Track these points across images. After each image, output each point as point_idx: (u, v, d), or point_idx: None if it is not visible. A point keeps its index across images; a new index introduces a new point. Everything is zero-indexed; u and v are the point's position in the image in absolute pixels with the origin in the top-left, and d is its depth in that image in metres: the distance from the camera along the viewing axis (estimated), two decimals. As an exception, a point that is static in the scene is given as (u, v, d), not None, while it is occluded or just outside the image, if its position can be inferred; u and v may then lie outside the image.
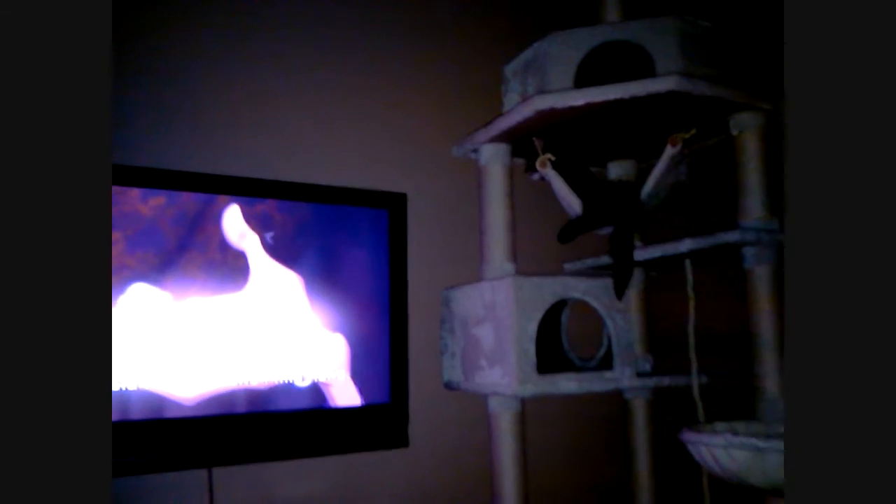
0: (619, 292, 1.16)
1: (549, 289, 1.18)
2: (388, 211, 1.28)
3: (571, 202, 1.18)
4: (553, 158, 1.16)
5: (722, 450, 0.95)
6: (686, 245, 1.13)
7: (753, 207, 1.14)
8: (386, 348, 1.27)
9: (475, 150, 1.33)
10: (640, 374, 1.29)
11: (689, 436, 1.04)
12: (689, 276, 1.26)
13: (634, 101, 1.07)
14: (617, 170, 1.43)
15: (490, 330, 1.20)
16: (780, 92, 1.17)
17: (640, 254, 1.23)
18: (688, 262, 1.25)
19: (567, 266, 1.45)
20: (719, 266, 1.30)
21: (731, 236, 1.07)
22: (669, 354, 1.40)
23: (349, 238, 1.25)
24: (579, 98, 1.08)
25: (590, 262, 1.39)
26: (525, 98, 1.18)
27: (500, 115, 1.22)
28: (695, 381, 1.24)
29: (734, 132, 1.17)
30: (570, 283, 1.20)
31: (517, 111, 1.15)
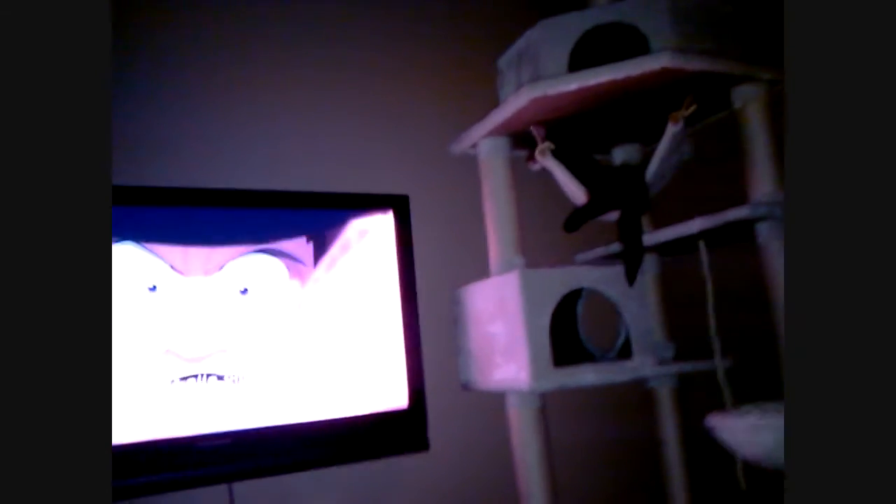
0: (631, 278, 1.13)
1: (559, 280, 1.16)
2: (392, 213, 1.28)
3: (574, 190, 1.15)
4: (552, 146, 1.14)
5: (748, 433, 0.91)
6: (697, 225, 1.10)
7: (762, 181, 1.10)
8: (401, 352, 1.25)
9: (474, 146, 1.31)
10: (661, 362, 1.26)
11: (714, 421, 1.01)
12: (704, 258, 1.22)
13: (630, 82, 1.05)
14: (622, 155, 1.40)
15: (502, 326, 1.18)
16: (781, 61, 1.14)
17: (651, 237, 1.20)
18: (702, 243, 1.21)
19: (578, 257, 1.42)
20: (734, 245, 1.26)
21: (742, 212, 1.04)
22: (691, 341, 1.36)
23: (353, 244, 1.24)
24: (571, 82, 1.05)
25: (600, 251, 1.36)
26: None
27: (501, 105, 1.21)
28: (718, 365, 1.20)
29: (737, 105, 1.13)
30: (581, 273, 1.18)
31: (511, 102, 1.13)
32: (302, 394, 1.16)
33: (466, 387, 1.33)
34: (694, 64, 1.01)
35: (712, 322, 1.21)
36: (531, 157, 1.19)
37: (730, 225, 1.11)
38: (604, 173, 1.19)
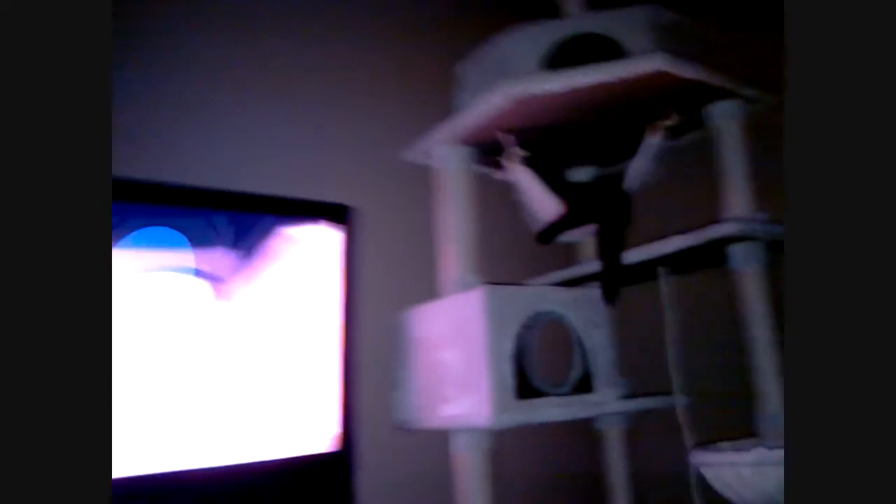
0: (611, 296, 1.02)
1: (525, 300, 1.03)
2: (334, 225, 1.10)
3: (546, 203, 1.04)
4: (525, 154, 1.03)
5: (753, 468, 0.82)
6: (673, 244, 1.02)
7: (738, 204, 1.05)
8: (333, 386, 1.06)
9: (430, 154, 1.18)
10: (623, 398, 1.16)
11: (704, 456, 0.91)
12: (665, 284, 1.16)
13: (616, 87, 0.97)
14: (580, 176, 1.32)
15: (459, 352, 1.03)
16: (760, 85, 1.12)
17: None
18: (662, 268, 1.15)
19: (532, 282, 1.31)
20: (696, 272, 1.21)
21: (726, 228, 0.97)
22: (645, 377, 1.29)
23: (286, 258, 1.04)
24: (559, 82, 0.96)
25: (557, 275, 1.26)
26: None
27: (459, 112, 1.09)
28: (679, 402, 1.12)
29: (713, 124, 1.09)
30: (547, 295, 1.06)
31: (484, 102, 1.02)
32: (202, 432, 0.93)
33: (403, 426, 1.15)
34: (688, 71, 0.95)
35: (672, 354, 1.14)
36: (497, 166, 1.07)
37: (698, 248, 1.05)
38: (580, 185, 1.09)
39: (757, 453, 0.82)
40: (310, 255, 1.06)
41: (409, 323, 1.16)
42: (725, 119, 1.07)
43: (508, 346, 0.99)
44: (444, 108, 1.20)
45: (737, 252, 1.03)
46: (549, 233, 1.02)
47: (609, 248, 1.02)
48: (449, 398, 1.04)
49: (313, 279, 1.07)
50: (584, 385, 1.12)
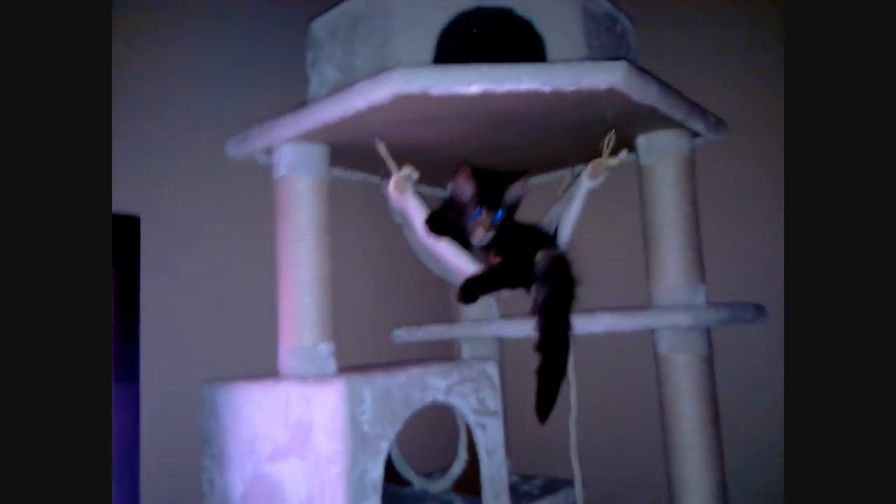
0: (547, 407, 0.72)
1: (403, 396, 0.71)
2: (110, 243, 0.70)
3: (439, 247, 0.73)
4: (416, 175, 0.70)
5: None
6: (603, 322, 0.76)
7: (673, 269, 0.82)
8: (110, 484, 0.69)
9: (268, 151, 0.81)
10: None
11: None
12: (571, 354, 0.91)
13: (544, 99, 0.67)
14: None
15: (299, 471, 0.69)
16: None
17: (510, 327, 0.84)
18: (570, 336, 0.90)
19: (398, 334, 1.00)
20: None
21: (678, 318, 0.73)
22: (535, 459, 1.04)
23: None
24: (473, 81, 0.64)
25: (436, 331, 0.96)
26: (350, 74, 0.72)
27: (308, 98, 0.77)
28: (579, 495, 0.89)
29: (647, 161, 0.84)
30: (430, 382, 0.75)
31: (358, 94, 0.67)
32: None
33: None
34: (649, 91, 0.68)
35: (574, 439, 0.90)
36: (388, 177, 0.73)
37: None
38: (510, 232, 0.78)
39: None
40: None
41: (224, 405, 0.79)
42: (664, 157, 0.81)
43: (377, 470, 0.67)
44: (290, 78, 0.84)
45: (666, 337, 0.80)
46: (474, 287, 0.71)
47: (557, 329, 0.71)
48: (281, 533, 0.70)
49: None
50: (466, 483, 0.86)
